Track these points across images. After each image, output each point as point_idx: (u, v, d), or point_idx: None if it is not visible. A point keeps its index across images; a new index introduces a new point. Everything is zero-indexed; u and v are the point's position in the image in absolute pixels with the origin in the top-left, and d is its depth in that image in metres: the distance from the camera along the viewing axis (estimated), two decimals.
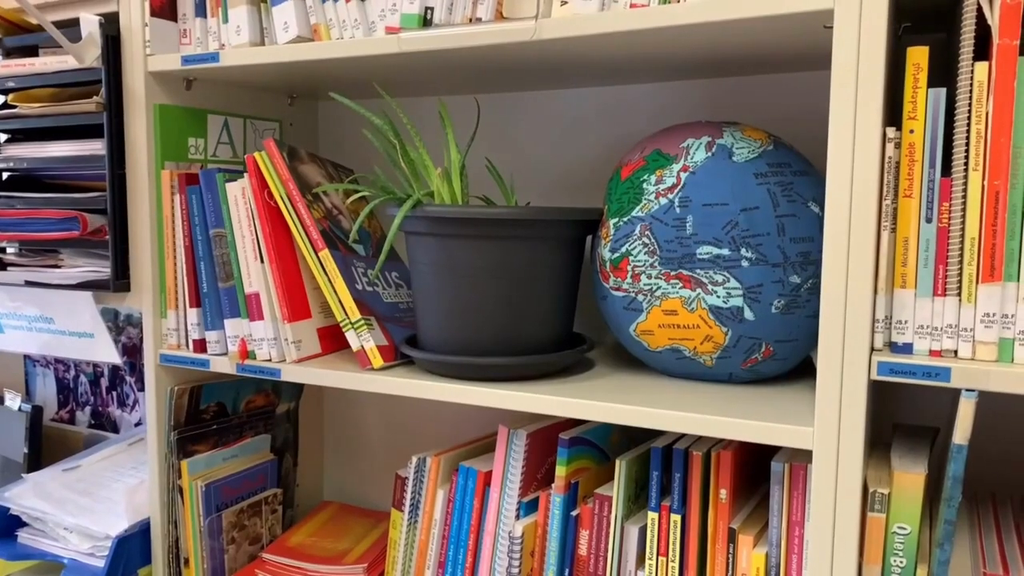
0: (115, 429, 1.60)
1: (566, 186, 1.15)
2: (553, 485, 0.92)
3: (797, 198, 0.83)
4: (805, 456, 0.80)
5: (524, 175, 1.18)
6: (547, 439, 0.98)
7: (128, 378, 1.56)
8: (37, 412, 1.45)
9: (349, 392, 1.35)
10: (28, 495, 1.17)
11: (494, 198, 1.19)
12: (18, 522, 1.20)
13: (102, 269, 1.09)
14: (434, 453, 1.03)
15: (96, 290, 1.08)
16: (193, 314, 1.05)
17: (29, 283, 1.11)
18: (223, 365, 1.03)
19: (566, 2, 0.82)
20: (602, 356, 1.05)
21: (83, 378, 1.63)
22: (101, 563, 1.09)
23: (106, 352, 1.11)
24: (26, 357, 1.69)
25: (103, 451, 1.31)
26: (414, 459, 1.03)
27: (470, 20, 0.86)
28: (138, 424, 1.56)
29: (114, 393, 1.59)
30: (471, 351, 0.90)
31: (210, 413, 1.15)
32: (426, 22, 0.87)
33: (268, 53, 0.96)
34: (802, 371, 0.96)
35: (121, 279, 1.07)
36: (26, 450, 1.44)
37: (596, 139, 1.13)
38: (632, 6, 0.79)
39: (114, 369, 1.58)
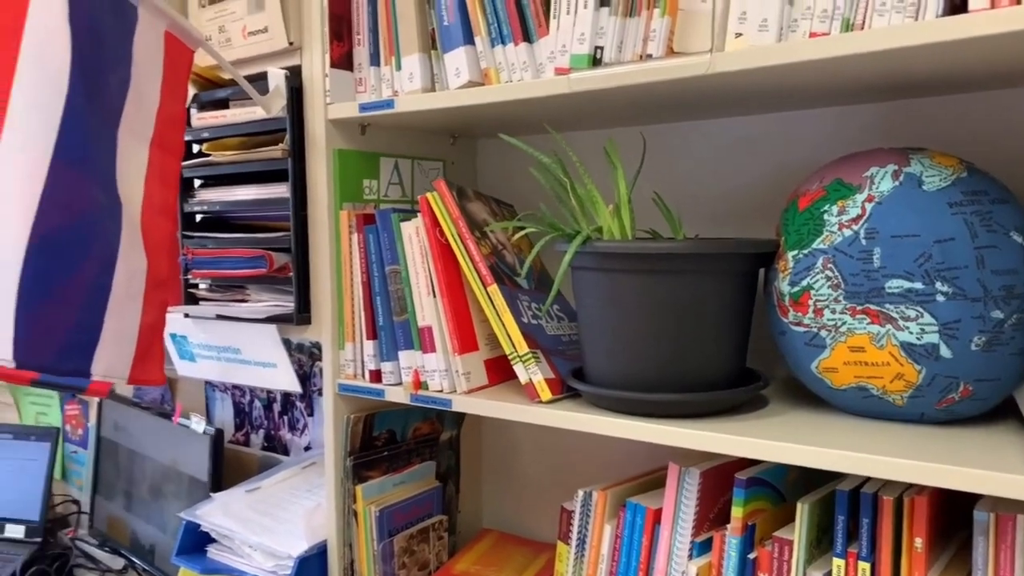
0: (286, 452, 1.69)
1: (730, 217, 1.13)
2: (729, 526, 0.90)
3: (997, 228, 0.77)
4: (1013, 506, 0.74)
5: (685, 206, 1.16)
6: (719, 478, 0.95)
7: (298, 404, 1.66)
8: (219, 435, 1.55)
9: (507, 421, 1.37)
10: (217, 514, 1.26)
11: (658, 230, 1.18)
12: (208, 538, 1.29)
13: (286, 304, 1.16)
14: (600, 487, 1.03)
15: (280, 323, 1.16)
16: (369, 346, 1.10)
17: (220, 316, 1.21)
18: (397, 395, 1.07)
19: (741, 33, 0.81)
20: (775, 393, 1.01)
21: (257, 403, 1.74)
22: None
23: (287, 381, 1.19)
24: (207, 383, 1.82)
25: (280, 473, 1.39)
26: (580, 493, 1.03)
27: (640, 57, 0.86)
28: (307, 448, 1.65)
29: (285, 418, 1.69)
30: (641, 386, 0.89)
31: (381, 440, 1.20)
32: (596, 61, 0.88)
33: (441, 98, 1.00)
34: (1002, 411, 0.89)
35: (303, 313, 1.14)
36: (209, 470, 1.54)
37: (761, 167, 1.10)
38: (812, 35, 0.77)
39: (286, 395, 1.68)
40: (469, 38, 0.98)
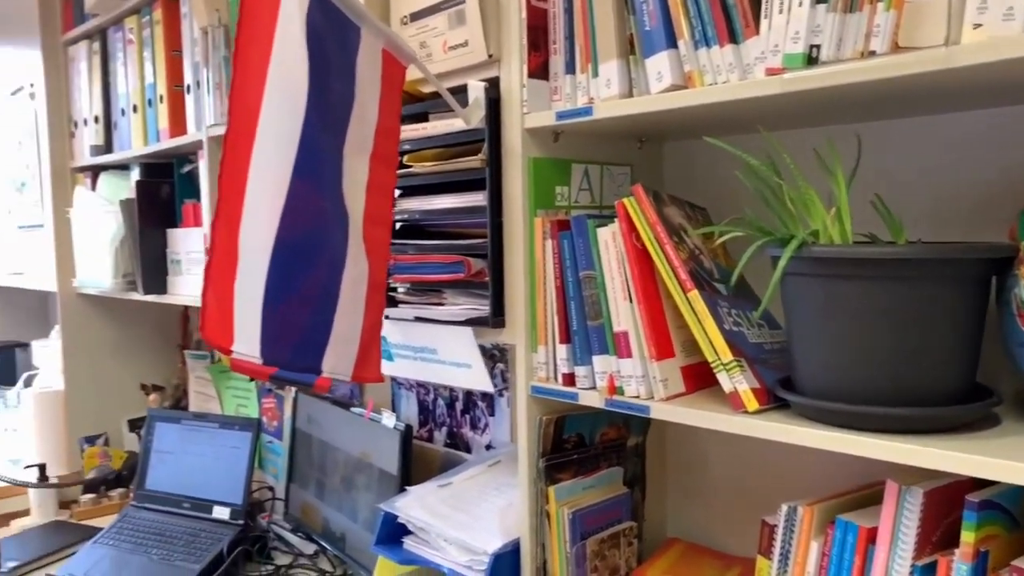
0: (467, 449, 1.75)
1: (953, 219, 1.06)
2: (958, 551, 0.84)
3: None
4: None
5: (902, 208, 1.10)
6: (944, 499, 0.89)
7: (480, 403, 1.71)
8: (408, 431, 1.63)
9: (693, 429, 1.35)
10: (414, 507, 1.32)
11: (876, 234, 1.12)
12: (403, 529, 1.35)
13: (481, 307, 1.20)
14: (807, 502, 0.99)
15: (476, 326, 1.20)
16: (563, 350, 1.12)
17: (418, 319, 1.26)
18: (592, 399, 1.08)
19: (980, 24, 0.75)
20: (1009, 411, 0.94)
21: (440, 402, 1.81)
22: None
23: (481, 381, 1.23)
24: (393, 380, 1.92)
25: (469, 471, 1.43)
26: (784, 507, 1.00)
27: (862, 54, 0.82)
28: (488, 447, 1.69)
29: (467, 416, 1.74)
30: (860, 399, 0.85)
31: (571, 443, 1.21)
32: (811, 60, 0.85)
33: (642, 103, 1.00)
34: None
35: (498, 316, 1.18)
36: (399, 464, 1.62)
37: (986, 165, 1.02)
38: None
39: (467, 395, 1.73)
40: (672, 42, 0.97)
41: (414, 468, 1.75)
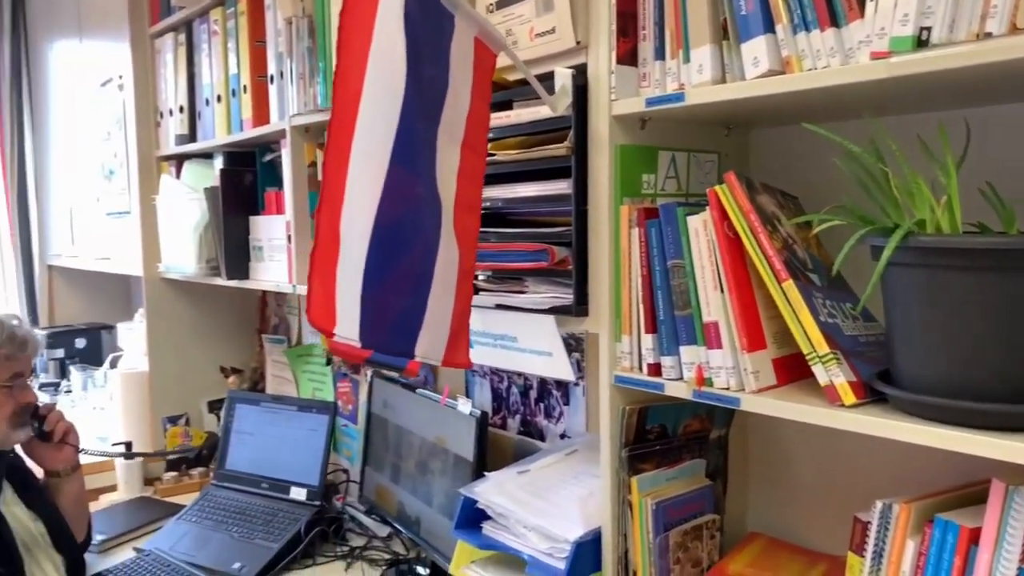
0: (541, 437, 1.75)
1: None
2: None
3: None
4: None
5: (1012, 196, 1.05)
6: None
7: (554, 392, 1.71)
8: (484, 417, 1.64)
9: (777, 422, 1.32)
10: (493, 492, 1.33)
11: (986, 223, 1.08)
12: (482, 514, 1.37)
13: (563, 296, 1.19)
14: (903, 500, 0.96)
15: (559, 314, 1.20)
16: (648, 339, 1.11)
17: (499, 306, 1.27)
18: (678, 390, 1.07)
19: None
20: None
21: (514, 389, 1.81)
22: (558, 564, 1.19)
23: (562, 370, 1.23)
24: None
25: (546, 459, 1.44)
26: (879, 504, 0.97)
27: (977, 36, 0.79)
28: (563, 436, 1.69)
29: (541, 405, 1.75)
30: (969, 394, 0.82)
31: (654, 434, 1.20)
32: (921, 43, 0.82)
33: (737, 89, 0.98)
34: None
35: (581, 305, 1.17)
36: (474, 450, 1.63)
37: None
38: None
39: (542, 383, 1.73)
40: (769, 26, 0.95)
41: (488, 454, 1.77)
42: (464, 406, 1.67)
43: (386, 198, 0.91)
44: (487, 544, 1.32)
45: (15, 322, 1.73)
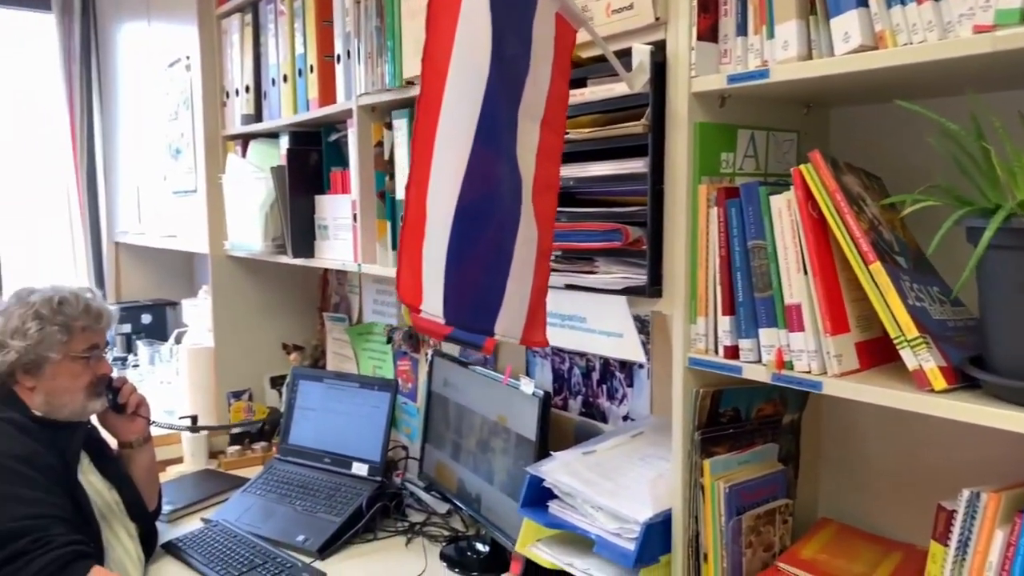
0: (603, 419, 1.75)
1: None
2: None
3: None
4: None
5: None
6: None
7: (618, 374, 1.70)
8: (547, 397, 1.64)
9: (851, 407, 1.30)
10: (560, 472, 1.33)
11: None
12: (548, 493, 1.37)
13: (636, 276, 1.18)
14: (991, 488, 0.93)
15: (631, 295, 1.19)
16: (726, 322, 1.09)
17: (569, 286, 1.26)
18: (756, 373, 1.06)
19: None
20: None
21: (576, 370, 1.81)
22: (627, 544, 1.19)
23: (633, 351, 1.22)
24: (529, 348, 1.93)
25: (611, 440, 1.43)
26: (965, 492, 0.95)
27: None
28: (626, 418, 1.69)
29: (604, 386, 1.74)
30: None
31: (727, 417, 1.19)
32: None
33: (829, 65, 0.95)
34: None
35: (655, 286, 1.16)
36: (537, 430, 1.64)
37: None
38: None
39: (605, 365, 1.73)
40: (862, 0, 0.92)
41: (549, 435, 1.77)
42: (527, 386, 1.67)
43: (469, 178, 0.91)
44: (553, 523, 1.32)
45: (90, 295, 1.78)
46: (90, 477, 1.72)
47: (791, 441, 1.28)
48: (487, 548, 1.88)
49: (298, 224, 2.12)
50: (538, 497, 1.37)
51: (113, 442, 1.92)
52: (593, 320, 1.27)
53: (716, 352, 1.11)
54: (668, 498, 1.20)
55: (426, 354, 2.30)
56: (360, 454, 2.16)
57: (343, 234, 2.00)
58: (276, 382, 2.71)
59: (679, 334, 1.14)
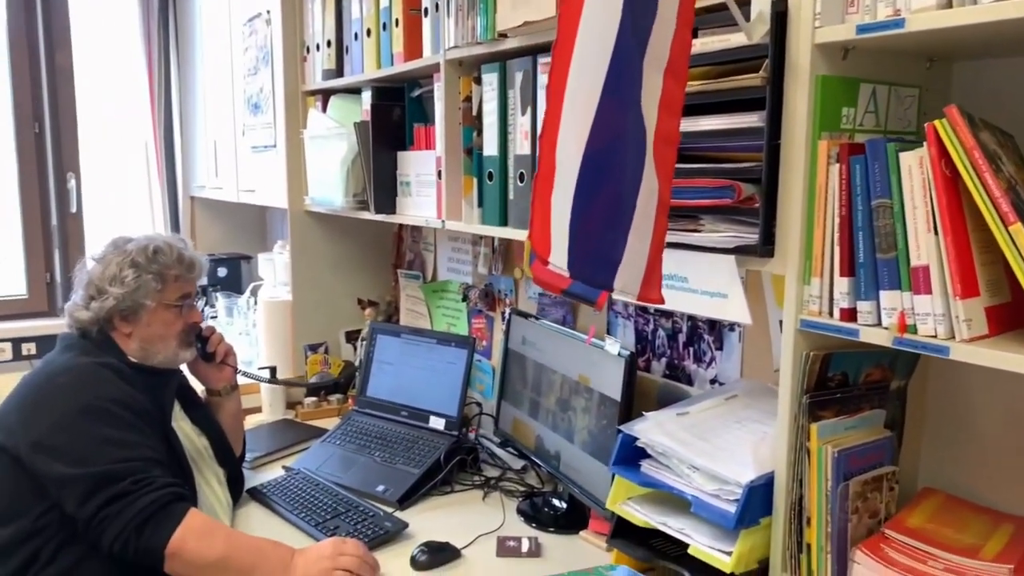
0: (689, 382, 1.73)
1: None
2: None
3: None
4: None
5: None
6: None
7: (706, 336, 1.67)
8: (633, 358, 1.62)
9: (962, 374, 1.25)
10: (655, 431, 1.32)
11: None
12: (640, 453, 1.36)
13: (747, 235, 1.15)
14: None
15: (741, 255, 1.16)
16: (843, 283, 1.06)
17: (673, 244, 1.23)
18: (876, 336, 1.02)
19: None
20: None
21: (661, 332, 1.79)
22: (726, 506, 1.18)
23: (738, 312, 1.19)
24: (611, 308, 1.92)
25: (704, 402, 1.42)
26: None
27: None
28: (713, 381, 1.66)
29: (691, 349, 1.72)
30: None
31: (834, 381, 1.16)
32: None
33: (974, 14, 0.90)
34: None
35: (766, 245, 1.13)
36: (622, 390, 1.62)
37: None
38: None
39: (692, 326, 1.71)
40: None
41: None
42: (612, 346, 1.66)
43: (596, 127, 0.89)
44: (647, 482, 1.32)
45: (182, 245, 1.82)
46: (181, 424, 1.78)
47: (897, 408, 1.24)
48: (564, 504, 1.90)
49: (380, 180, 2.12)
50: (630, 456, 1.37)
51: (201, 390, 1.97)
52: (696, 280, 1.24)
53: (831, 315, 1.08)
54: (771, 461, 1.18)
55: (502, 312, 2.31)
56: (437, 408, 2.18)
57: (426, 191, 2.00)
58: (351, 337, 2.75)
59: (792, 296, 1.11)
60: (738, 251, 1.15)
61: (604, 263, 0.95)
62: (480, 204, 1.79)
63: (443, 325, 2.54)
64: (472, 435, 2.24)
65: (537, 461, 1.93)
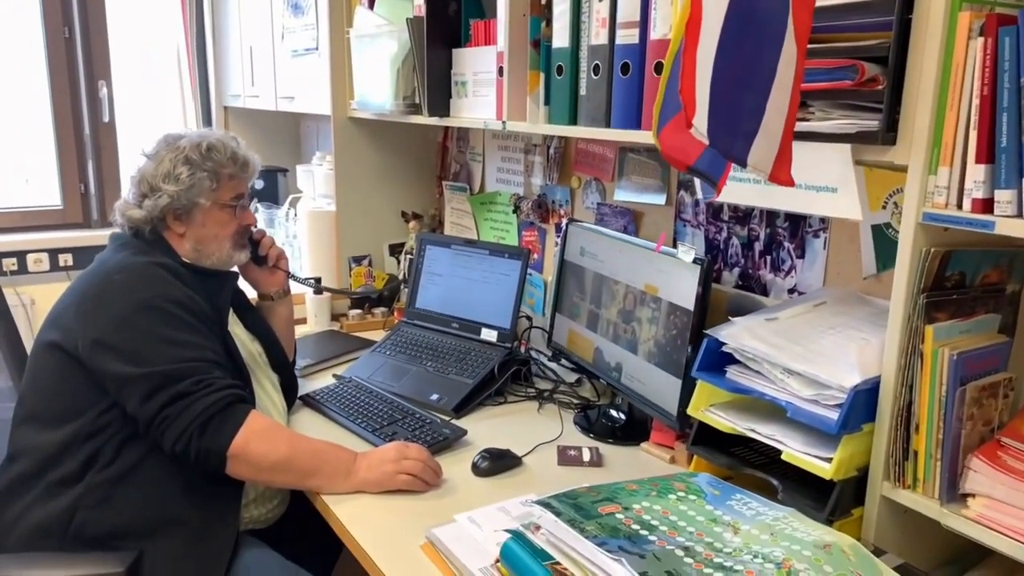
0: (763, 292, 1.66)
1: None
2: None
3: None
4: None
5: None
6: None
7: (786, 243, 1.59)
8: (710, 265, 1.55)
9: None
10: (744, 336, 1.26)
11: None
12: (724, 360, 1.30)
13: (866, 121, 1.06)
14: None
15: (857, 143, 1.07)
16: (979, 171, 0.97)
17: None
18: (1016, 228, 0.94)
19: None
20: None
21: (735, 240, 1.71)
22: (826, 412, 1.12)
23: (849, 207, 1.11)
24: (678, 217, 1.84)
25: (791, 308, 1.35)
26: None
27: None
28: (792, 291, 1.59)
29: (767, 258, 1.64)
30: None
31: (951, 281, 1.09)
32: None
33: None
34: None
35: (890, 131, 1.04)
36: (697, 299, 1.55)
37: None
38: None
39: (771, 233, 1.62)
40: None
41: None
42: (687, 253, 1.58)
43: None
44: (735, 388, 1.26)
45: (235, 143, 1.74)
46: (235, 329, 1.73)
47: (1010, 313, 1.17)
48: (623, 416, 1.86)
49: (434, 80, 2.02)
50: (714, 362, 1.31)
51: (252, 295, 1.92)
52: (800, 173, 1.15)
53: (960, 206, 1.00)
54: (876, 365, 1.11)
55: (556, 224, 2.23)
56: (489, 320, 2.13)
57: (484, 90, 1.90)
58: (394, 250, 2.69)
59: (915, 186, 1.03)
60: (855, 139, 1.06)
61: (741, 134, 0.87)
62: (547, 102, 1.69)
63: (491, 238, 2.47)
64: (522, 349, 2.19)
65: (596, 373, 1.89)
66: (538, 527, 1.10)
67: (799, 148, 1.14)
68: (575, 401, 1.98)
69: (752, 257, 1.67)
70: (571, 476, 1.61)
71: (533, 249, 2.31)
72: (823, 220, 1.50)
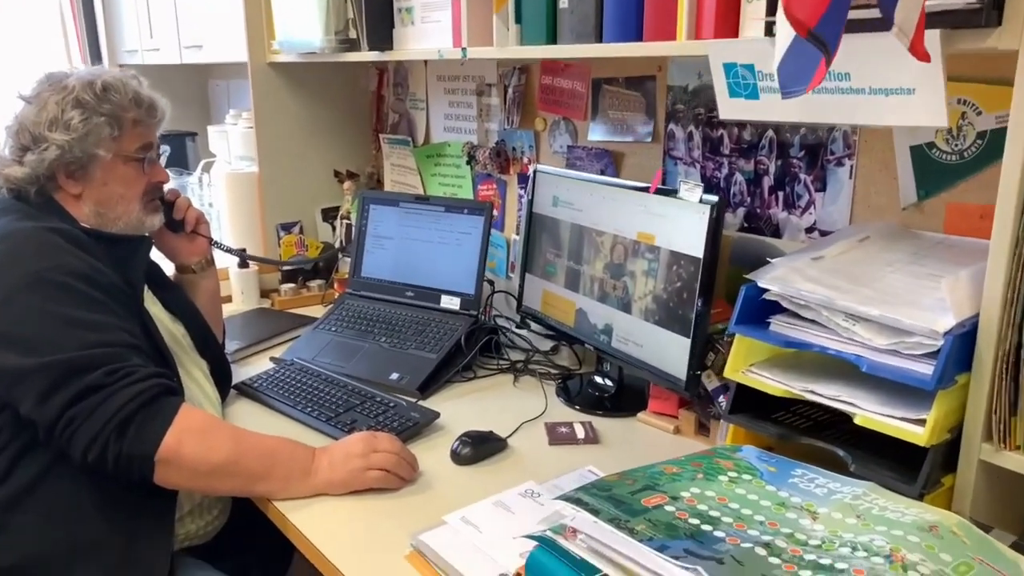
0: (776, 234, 1.46)
1: None
2: None
3: None
4: None
5: None
6: None
7: (803, 176, 1.39)
8: (720, 204, 1.33)
9: None
10: (794, 279, 1.04)
11: None
12: (769, 309, 1.09)
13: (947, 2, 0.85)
14: None
15: (952, 28, 0.86)
16: None
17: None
18: None
19: None
20: None
21: (739, 177, 1.50)
22: (913, 365, 0.92)
23: (931, 111, 0.90)
24: (668, 154, 1.61)
25: (835, 245, 1.15)
26: None
27: None
28: (811, 230, 1.39)
29: (779, 194, 1.44)
30: None
31: None
32: None
33: None
34: None
35: (994, 9, 0.83)
36: (706, 244, 1.34)
37: None
38: None
39: (784, 166, 1.42)
40: None
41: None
42: (691, 192, 1.36)
43: None
44: (788, 342, 1.05)
45: (136, 82, 1.42)
46: (152, 308, 1.41)
47: None
48: (612, 384, 1.64)
49: (374, 8, 1.73)
50: (755, 313, 1.10)
51: (168, 268, 1.61)
52: (864, 75, 0.94)
53: None
54: (968, 304, 0.92)
55: (519, 174, 1.98)
56: (449, 286, 1.87)
57: (435, 15, 1.62)
58: (328, 215, 2.39)
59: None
60: (951, 22, 0.85)
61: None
62: (518, 20, 1.43)
63: (442, 195, 2.20)
64: (485, 316, 1.94)
65: (578, 338, 1.66)
66: (574, 531, 0.87)
67: (868, 43, 0.92)
68: (553, 371, 1.76)
69: (760, 194, 1.46)
70: (567, 457, 1.39)
71: (494, 205, 2.05)
72: (848, 145, 1.31)
